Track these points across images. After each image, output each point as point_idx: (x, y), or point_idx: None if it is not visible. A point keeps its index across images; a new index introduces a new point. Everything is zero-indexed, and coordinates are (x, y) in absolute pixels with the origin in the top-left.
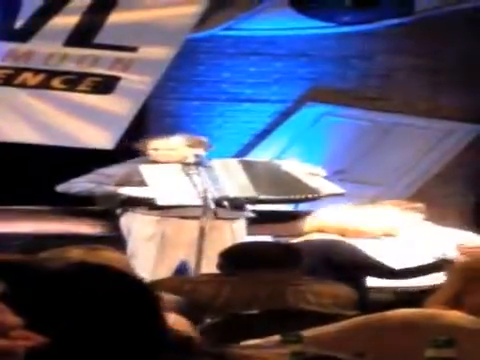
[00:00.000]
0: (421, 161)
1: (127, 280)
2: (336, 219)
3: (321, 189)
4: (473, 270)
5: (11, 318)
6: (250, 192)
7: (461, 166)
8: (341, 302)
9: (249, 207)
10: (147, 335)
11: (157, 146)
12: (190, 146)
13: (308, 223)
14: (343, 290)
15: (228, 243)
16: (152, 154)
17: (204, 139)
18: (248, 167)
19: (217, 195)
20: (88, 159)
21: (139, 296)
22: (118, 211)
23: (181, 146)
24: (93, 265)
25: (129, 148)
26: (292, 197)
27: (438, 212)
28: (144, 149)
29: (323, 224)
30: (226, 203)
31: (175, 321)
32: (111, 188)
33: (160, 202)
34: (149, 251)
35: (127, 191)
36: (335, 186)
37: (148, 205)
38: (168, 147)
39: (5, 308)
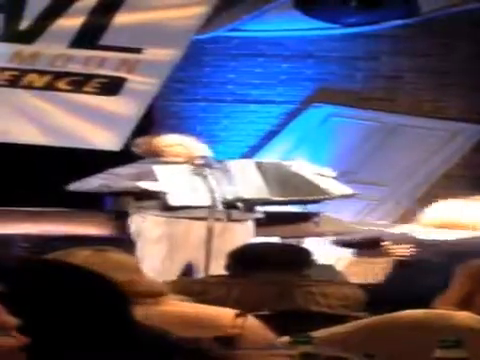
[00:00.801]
0: (427, 162)
1: (94, 279)
2: (457, 215)
3: (331, 190)
4: None
5: (9, 318)
6: (264, 193)
7: (468, 167)
8: (350, 303)
9: (259, 208)
10: (115, 332)
11: (167, 143)
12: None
13: (428, 219)
14: (352, 291)
15: (240, 244)
16: (164, 152)
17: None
18: (260, 168)
19: (231, 196)
20: (95, 160)
21: (105, 296)
22: (130, 212)
23: (188, 142)
24: (62, 263)
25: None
26: (303, 198)
27: None
28: (151, 149)
29: (449, 220)
30: (240, 204)
31: (250, 325)
32: (122, 185)
33: (172, 202)
34: (158, 252)
35: (140, 185)
36: (345, 187)
37: (158, 206)
38: (176, 143)
39: (2, 308)
